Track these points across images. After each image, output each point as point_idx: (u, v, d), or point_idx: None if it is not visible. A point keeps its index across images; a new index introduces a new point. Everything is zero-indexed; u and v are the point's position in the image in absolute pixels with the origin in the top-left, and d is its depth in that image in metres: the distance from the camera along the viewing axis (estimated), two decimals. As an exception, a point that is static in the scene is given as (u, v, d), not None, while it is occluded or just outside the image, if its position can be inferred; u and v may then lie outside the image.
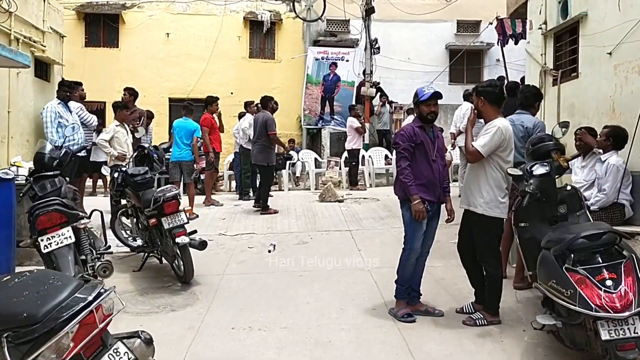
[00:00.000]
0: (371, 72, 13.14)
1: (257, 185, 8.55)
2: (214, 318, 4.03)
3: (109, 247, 4.42)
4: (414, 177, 3.84)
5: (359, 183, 11.15)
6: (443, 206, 4.11)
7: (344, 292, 4.58)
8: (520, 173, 3.67)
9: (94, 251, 4.01)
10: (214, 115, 8.76)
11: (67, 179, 4.51)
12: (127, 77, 13.99)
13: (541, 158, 3.83)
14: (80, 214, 4.00)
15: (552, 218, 3.66)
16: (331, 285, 4.74)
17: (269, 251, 5.81)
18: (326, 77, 13.59)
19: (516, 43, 11.71)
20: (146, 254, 5.06)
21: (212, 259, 5.64)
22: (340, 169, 9.88)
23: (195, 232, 5.01)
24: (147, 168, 5.05)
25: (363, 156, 11.74)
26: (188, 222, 4.68)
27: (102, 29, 14.22)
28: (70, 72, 13.86)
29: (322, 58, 13.61)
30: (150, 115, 9.95)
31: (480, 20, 14.75)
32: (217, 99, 8.85)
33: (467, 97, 8.58)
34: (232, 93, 14.01)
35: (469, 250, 3.94)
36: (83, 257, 3.93)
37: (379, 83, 13.74)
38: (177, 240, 4.42)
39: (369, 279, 4.92)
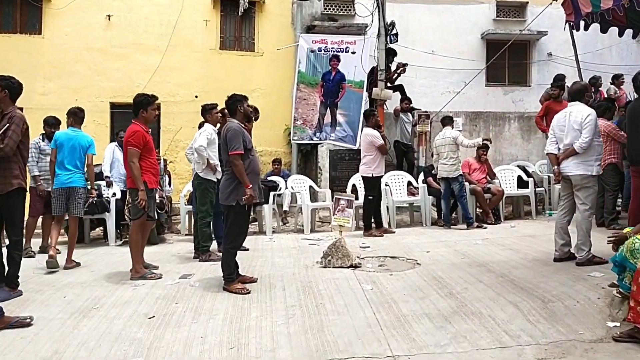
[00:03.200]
0: (388, 67, 9.95)
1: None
2: None
3: None
4: None
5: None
6: None
7: None
8: None
9: None
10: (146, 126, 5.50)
11: None
12: (53, 74, 10.80)
13: None
14: None
15: None
16: None
17: None
18: (326, 75, 10.42)
19: (586, 28, 8.88)
20: None
21: None
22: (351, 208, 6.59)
23: None
24: None
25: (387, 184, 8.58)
26: None
27: (18, 8, 10.89)
28: (-25, 67, 10.64)
29: (319, 49, 10.46)
30: (52, 123, 6.75)
31: (527, 2, 11.72)
32: (155, 99, 5.57)
33: (580, 94, 5.44)
34: (196, 97, 10.81)
35: None
36: None
37: (406, 64, 10.48)
38: None
39: None
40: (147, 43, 11.05)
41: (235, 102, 4.99)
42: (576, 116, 5.24)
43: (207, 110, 6.38)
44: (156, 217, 5.78)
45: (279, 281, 5.20)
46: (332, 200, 7.38)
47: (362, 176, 7.93)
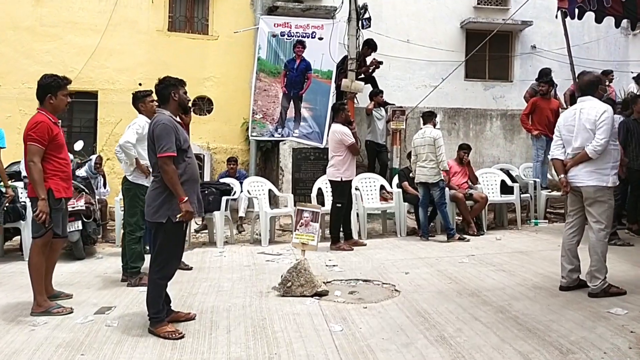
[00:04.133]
0: (359, 55, 8.99)
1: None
2: None
3: None
4: None
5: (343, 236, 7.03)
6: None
7: None
8: None
9: None
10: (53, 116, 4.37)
11: None
12: (-28, 57, 9.45)
13: None
14: None
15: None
16: None
17: None
18: (289, 63, 9.41)
19: (580, 16, 8.23)
20: None
21: None
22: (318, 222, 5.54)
23: None
24: None
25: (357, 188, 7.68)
26: None
27: None
28: None
29: (282, 34, 9.44)
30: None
31: (511, -11, 10.99)
32: (67, 82, 4.43)
33: (592, 87, 4.67)
34: (140, 84, 9.60)
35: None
36: None
37: (381, 62, 9.55)
38: None
39: None
40: (83, 22, 9.81)
41: (168, 87, 3.90)
42: (589, 113, 4.40)
43: (140, 99, 5.27)
44: (66, 234, 4.63)
45: (223, 318, 4.16)
46: (294, 207, 6.40)
47: (329, 180, 6.96)
